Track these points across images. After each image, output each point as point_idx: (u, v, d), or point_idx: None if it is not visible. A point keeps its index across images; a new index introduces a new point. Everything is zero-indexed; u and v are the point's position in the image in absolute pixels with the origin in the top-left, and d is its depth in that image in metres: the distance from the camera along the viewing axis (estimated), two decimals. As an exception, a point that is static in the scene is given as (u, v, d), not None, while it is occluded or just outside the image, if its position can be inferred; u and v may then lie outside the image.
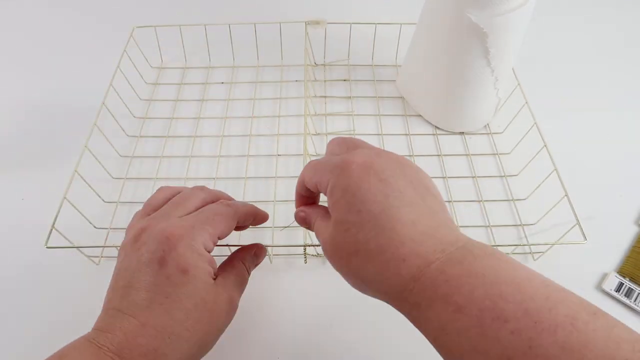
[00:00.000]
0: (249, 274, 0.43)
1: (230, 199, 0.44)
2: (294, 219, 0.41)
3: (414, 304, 0.30)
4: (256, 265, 0.45)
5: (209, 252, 0.37)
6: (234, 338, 0.46)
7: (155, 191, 0.43)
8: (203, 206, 0.40)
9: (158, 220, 0.37)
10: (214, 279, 0.37)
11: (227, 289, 0.38)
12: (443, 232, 0.32)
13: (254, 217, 0.43)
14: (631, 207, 0.58)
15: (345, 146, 0.38)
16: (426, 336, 0.30)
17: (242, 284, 0.41)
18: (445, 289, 0.28)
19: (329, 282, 0.51)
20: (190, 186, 0.57)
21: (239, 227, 0.43)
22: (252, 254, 0.43)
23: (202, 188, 0.42)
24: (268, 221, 0.46)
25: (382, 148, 0.52)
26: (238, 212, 0.40)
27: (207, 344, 0.37)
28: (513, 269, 0.29)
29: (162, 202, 0.41)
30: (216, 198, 0.42)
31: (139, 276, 0.35)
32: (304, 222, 0.40)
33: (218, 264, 0.40)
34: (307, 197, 0.40)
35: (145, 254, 0.35)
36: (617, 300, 0.50)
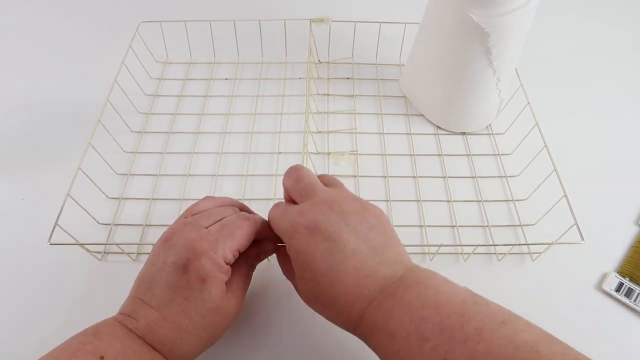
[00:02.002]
0: (253, 270, 0.46)
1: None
2: None
3: (364, 336, 0.37)
4: (261, 261, 0.47)
5: (228, 263, 0.41)
6: (234, 338, 0.47)
7: (201, 199, 0.47)
8: None
9: (189, 228, 0.41)
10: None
11: (235, 294, 0.42)
12: (383, 270, 0.37)
13: (269, 232, 0.46)
14: (631, 207, 0.58)
15: (303, 193, 0.42)
16: None
17: (247, 285, 0.44)
18: (382, 321, 0.35)
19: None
20: (192, 183, 0.58)
21: (258, 243, 0.46)
22: (258, 253, 0.46)
23: (234, 209, 0.46)
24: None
25: (348, 190, 0.46)
26: (257, 225, 0.43)
27: (213, 341, 0.41)
28: (436, 292, 0.35)
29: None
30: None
31: (163, 275, 0.39)
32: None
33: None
34: None
35: (171, 256, 0.39)
36: (617, 300, 0.50)
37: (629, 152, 0.64)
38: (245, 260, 0.44)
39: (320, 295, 0.38)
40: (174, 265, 0.39)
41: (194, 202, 0.46)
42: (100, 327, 0.38)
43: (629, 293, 0.50)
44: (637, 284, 0.51)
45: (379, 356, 0.36)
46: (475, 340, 0.30)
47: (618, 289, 0.51)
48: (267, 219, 0.45)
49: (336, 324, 0.39)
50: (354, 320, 0.37)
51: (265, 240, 0.46)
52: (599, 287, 0.51)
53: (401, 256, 0.39)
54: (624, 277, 0.51)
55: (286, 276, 0.45)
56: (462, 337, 0.31)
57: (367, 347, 0.47)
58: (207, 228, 0.41)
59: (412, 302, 0.34)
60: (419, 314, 0.33)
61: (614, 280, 0.51)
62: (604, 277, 0.52)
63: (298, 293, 0.42)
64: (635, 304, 0.50)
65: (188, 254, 0.39)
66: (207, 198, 0.47)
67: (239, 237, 0.41)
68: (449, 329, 0.32)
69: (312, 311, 0.46)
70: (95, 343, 0.35)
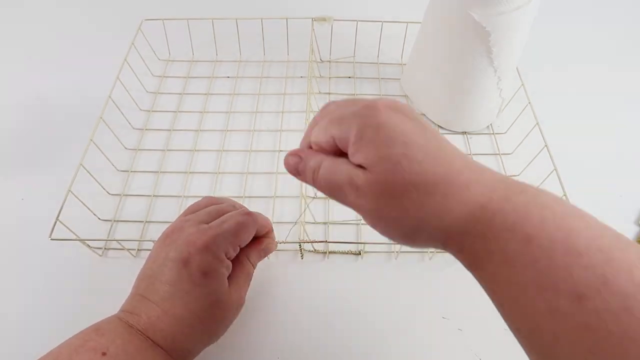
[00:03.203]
0: (254, 268, 0.45)
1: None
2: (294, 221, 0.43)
3: (479, 235, 0.28)
4: (262, 259, 0.47)
5: (229, 258, 0.41)
6: (234, 337, 0.47)
7: (200, 199, 0.47)
8: None
9: (189, 224, 0.41)
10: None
11: (237, 290, 0.42)
12: (490, 170, 0.30)
13: (269, 229, 0.47)
14: (631, 207, 0.58)
15: (355, 102, 0.32)
16: (482, 275, 0.28)
17: (248, 281, 0.44)
18: (514, 218, 0.27)
19: (326, 278, 0.51)
20: (193, 180, 0.58)
21: (259, 239, 0.46)
22: (258, 250, 0.46)
23: (234, 206, 0.46)
24: (267, 217, 0.48)
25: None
26: (257, 222, 0.44)
27: (217, 335, 0.42)
28: (576, 206, 0.28)
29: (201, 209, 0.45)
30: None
31: (164, 270, 0.39)
32: (296, 169, 0.34)
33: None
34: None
35: (172, 251, 0.39)
36: (616, 300, 0.50)
37: (629, 152, 0.64)
38: (247, 257, 0.44)
39: (421, 175, 0.28)
40: (175, 260, 0.39)
41: (195, 199, 0.46)
42: (101, 324, 0.38)
43: (628, 293, 0.50)
44: (637, 284, 0.51)
45: (492, 265, 0.27)
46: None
47: (617, 289, 0.50)
48: (267, 216, 0.46)
49: (427, 227, 0.29)
50: (470, 209, 0.28)
51: (266, 237, 0.46)
52: (598, 287, 0.51)
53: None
54: (623, 277, 0.51)
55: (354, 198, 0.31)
56: (625, 263, 0.24)
57: (368, 346, 0.47)
58: (207, 224, 0.41)
59: (553, 205, 0.27)
60: (566, 222, 0.26)
61: (613, 280, 0.51)
62: (603, 277, 0.52)
63: (365, 192, 0.29)
64: (634, 304, 0.49)
65: (189, 248, 0.39)
66: (206, 198, 0.47)
67: (239, 232, 0.41)
68: (607, 249, 0.25)
69: (312, 310, 0.46)
70: (96, 340, 0.36)
